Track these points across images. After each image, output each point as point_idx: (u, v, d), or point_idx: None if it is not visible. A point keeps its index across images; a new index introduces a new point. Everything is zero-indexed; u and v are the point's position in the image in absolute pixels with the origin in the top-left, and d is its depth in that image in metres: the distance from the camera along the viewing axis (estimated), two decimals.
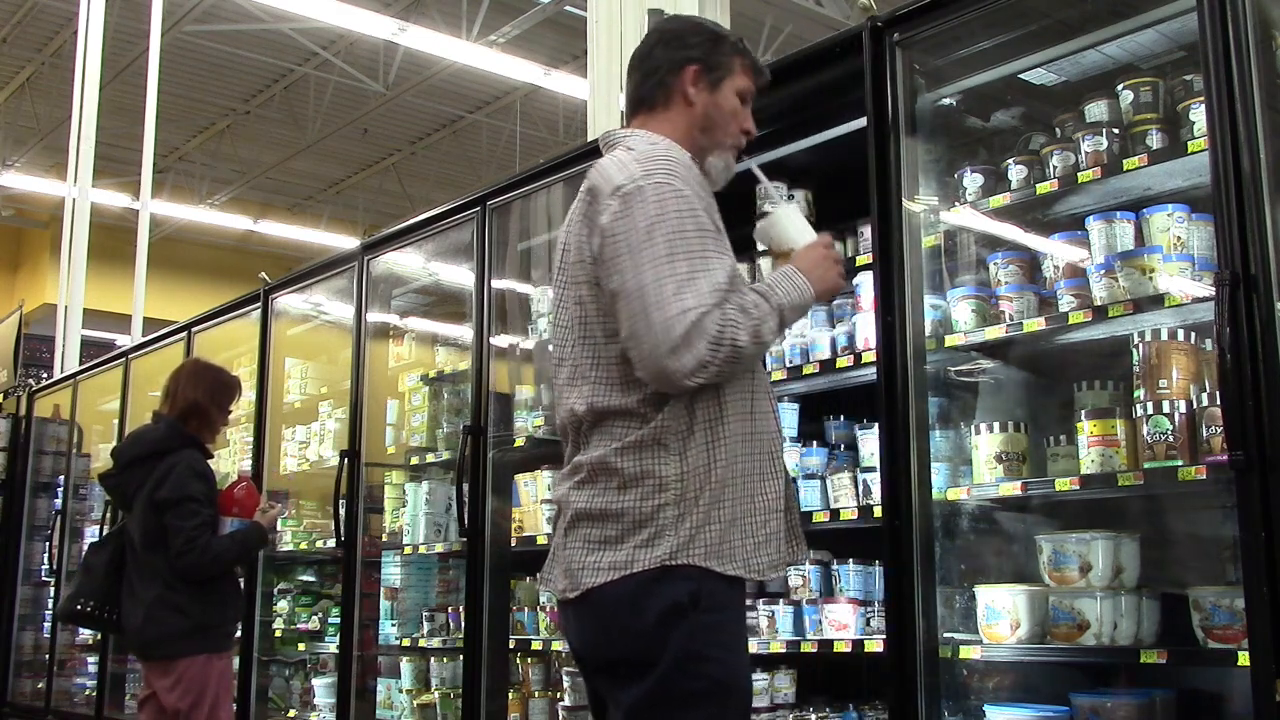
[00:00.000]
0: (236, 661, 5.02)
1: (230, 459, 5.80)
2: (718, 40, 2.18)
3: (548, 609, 3.89)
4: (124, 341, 8.50)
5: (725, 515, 1.95)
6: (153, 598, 3.77)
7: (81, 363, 7.98)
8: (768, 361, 2.26)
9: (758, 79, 2.21)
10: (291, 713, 5.09)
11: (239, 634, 4.53)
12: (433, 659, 4.36)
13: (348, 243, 9.07)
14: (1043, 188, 2.81)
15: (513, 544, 4.03)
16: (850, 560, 3.13)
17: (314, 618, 5.10)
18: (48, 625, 7.25)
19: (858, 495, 3.09)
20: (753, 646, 3.18)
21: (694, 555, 1.92)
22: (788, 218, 2.14)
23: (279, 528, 5.08)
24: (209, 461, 4.01)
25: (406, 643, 4.46)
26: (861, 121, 2.91)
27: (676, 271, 1.88)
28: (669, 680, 1.88)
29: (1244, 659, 2.18)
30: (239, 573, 4.11)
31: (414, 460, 4.65)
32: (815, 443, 3.32)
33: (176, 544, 3.72)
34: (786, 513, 2.08)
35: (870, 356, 2.84)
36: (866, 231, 3.08)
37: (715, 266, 1.93)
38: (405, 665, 4.50)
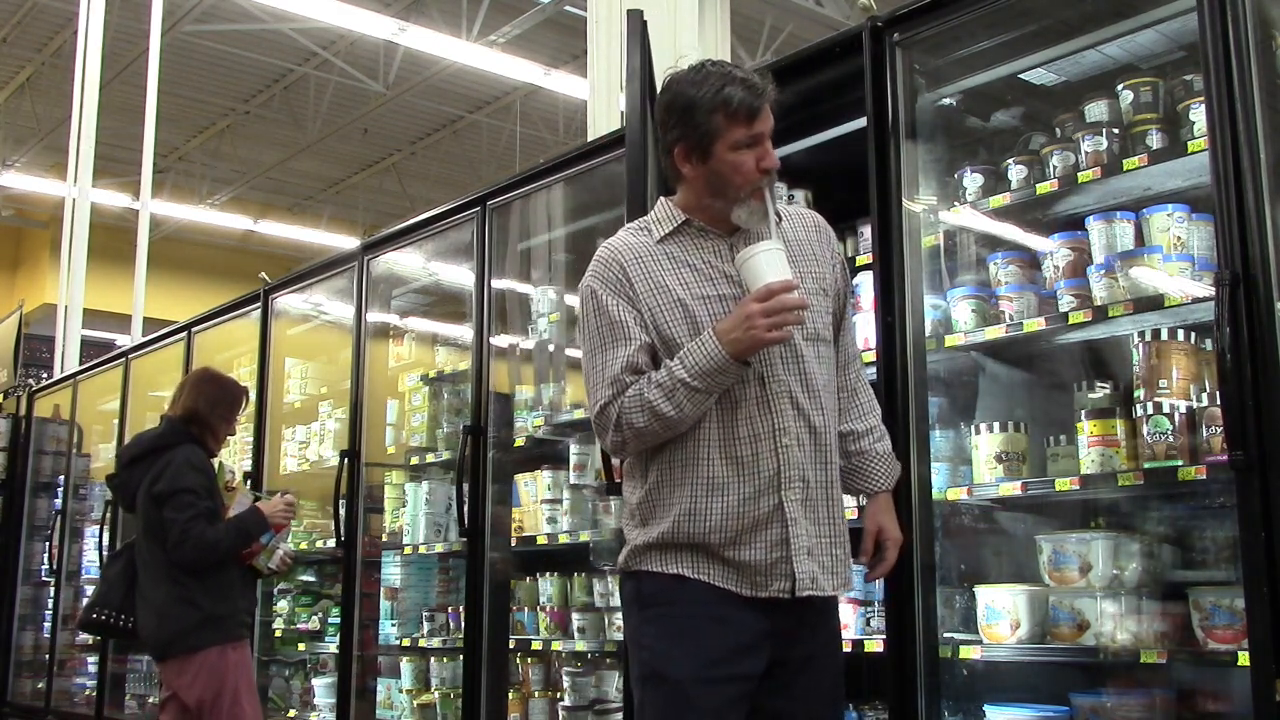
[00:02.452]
0: None
1: (231, 459, 5.80)
2: (690, 110, 2.14)
3: (548, 609, 3.90)
4: (124, 341, 8.50)
5: (665, 526, 2.17)
6: (162, 597, 3.78)
7: (81, 363, 7.98)
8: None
9: (750, 119, 2.13)
10: (291, 713, 5.09)
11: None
12: (433, 659, 4.37)
13: (348, 243, 9.08)
14: (1043, 188, 2.81)
15: (513, 544, 4.03)
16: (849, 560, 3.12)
17: (314, 618, 5.10)
18: (48, 625, 7.25)
19: (857, 496, 3.08)
20: None
21: (643, 561, 2.21)
22: (757, 264, 2.06)
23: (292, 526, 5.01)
24: (218, 462, 4.03)
25: (406, 643, 4.46)
26: (861, 121, 2.91)
27: (595, 365, 2.20)
28: (630, 660, 2.26)
29: (1244, 659, 2.18)
30: (267, 569, 4.07)
31: (414, 460, 4.65)
32: None
33: (173, 536, 3.72)
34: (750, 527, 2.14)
35: (870, 356, 2.84)
36: (867, 231, 3.07)
37: (611, 360, 2.17)
38: (405, 665, 4.50)
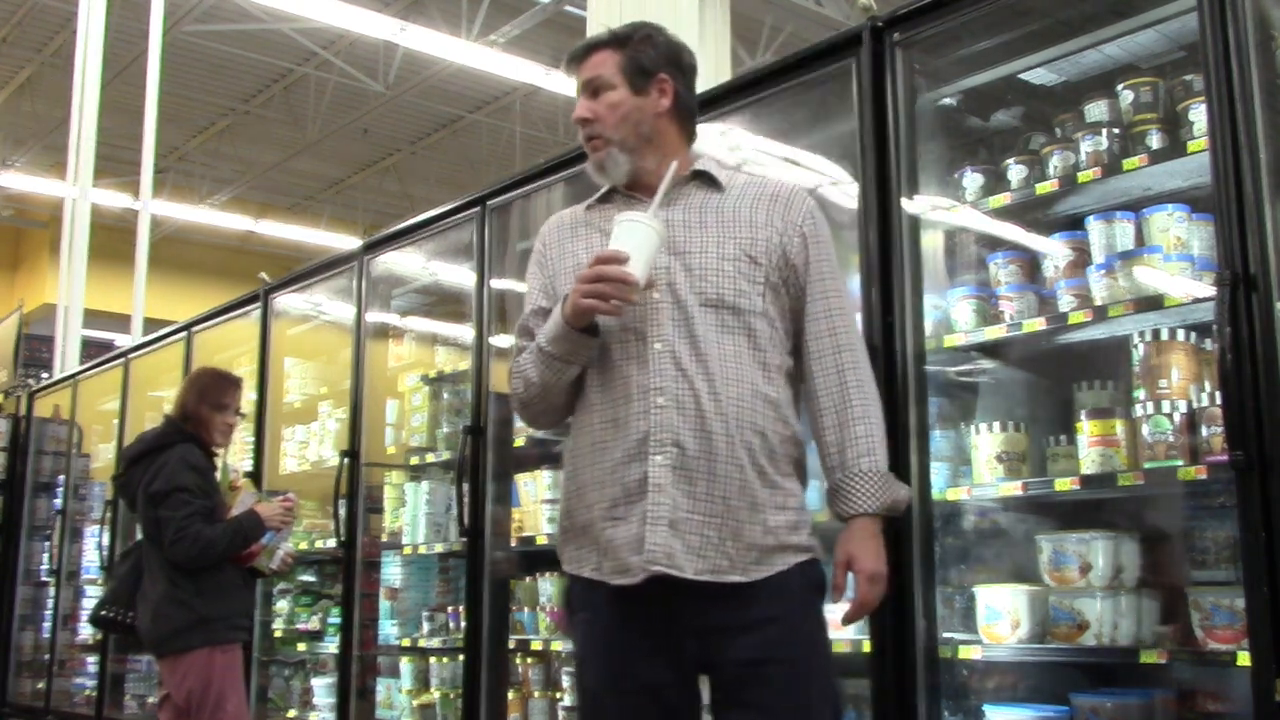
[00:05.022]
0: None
1: (231, 459, 5.79)
2: None
3: (548, 609, 3.89)
4: (124, 341, 8.50)
5: (564, 514, 2.14)
6: (159, 595, 3.80)
7: (81, 363, 7.98)
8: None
9: (569, 73, 2.24)
10: (291, 713, 5.09)
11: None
12: (433, 659, 4.36)
13: (348, 243, 9.07)
14: (1043, 188, 2.80)
15: (513, 544, 4.03)
16: None
17: (314, 618, 5.10)
18: (48, 625, 7.25)
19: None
20: None
21: (562, 558, 2.16)
22: (613, 235, 2.02)
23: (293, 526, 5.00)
24: (217, 459, 4.02)
25: (406, 643, 4.45)
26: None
27: None
28: None
29: (1244, 659, 2.18)
30: (269, 570, 4.07)
31: (414, 460, 4.65)
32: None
33: (168, 534, 3.73)
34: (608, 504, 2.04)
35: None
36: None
37: (521, 319, 2.21)
38: (405, 665, 4.49)
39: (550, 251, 2.22)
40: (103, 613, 4.03)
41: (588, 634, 2.09)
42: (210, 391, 4.04)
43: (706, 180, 2.17)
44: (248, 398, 5.30)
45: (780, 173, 3.44)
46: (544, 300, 2.18)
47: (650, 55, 2.18)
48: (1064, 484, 2.62)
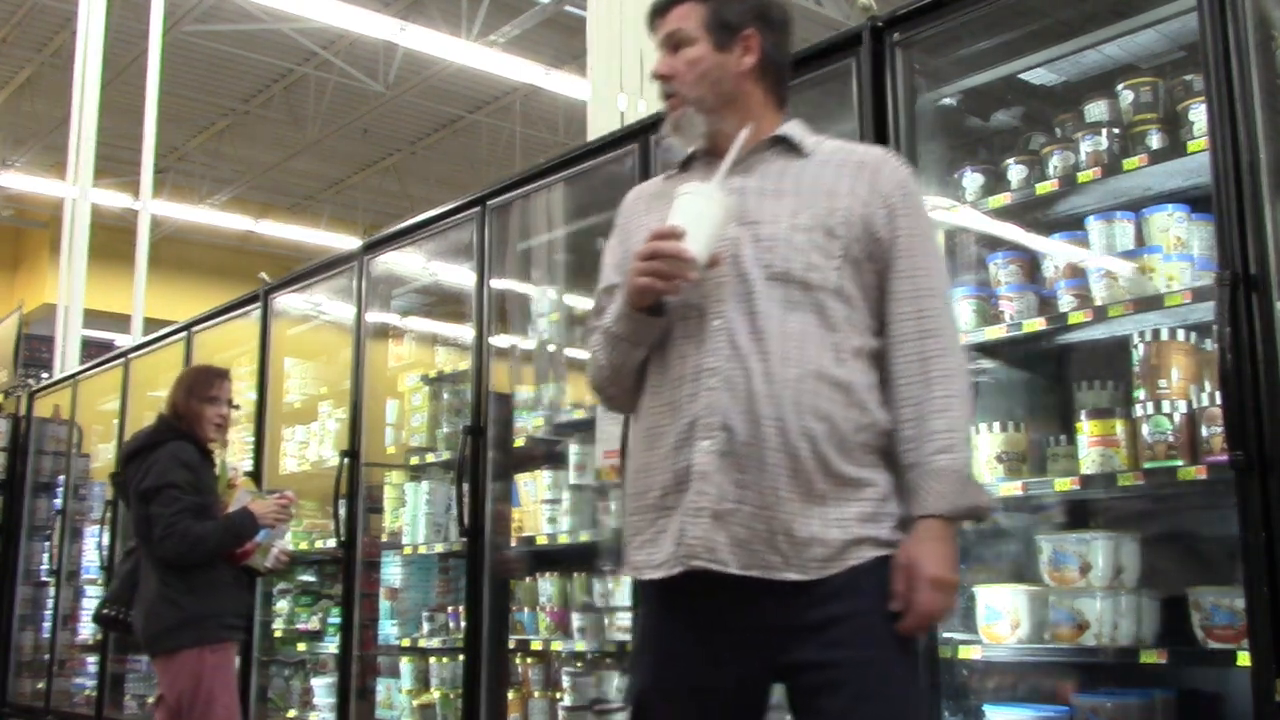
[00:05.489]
0: (236, 661, 5.02)
1: (231, 458, 5.80)
2: None
3: (547, 609, 3.89)
4: (124, 341, 8.50)
5: (626, 507, 2.00)
6: (151, 594, 3.80)
7: (81, 363, 7.98)
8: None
9: (651, 29, 2.09)
10: (291, 713, 5.09)
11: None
12: (433, 659, 4.36)
13: (348, 243, 9.07)
14: (1043, 188, 2.80)
15: (513, 544, 4.03)
16: None
17: (314, 618, 5.10)
18: (48, 625, 7.25)
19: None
20: None
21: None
22: (673, 208, 1.86)
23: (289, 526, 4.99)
24: (216, 457, 4.03)
25: (406, 643, 4.45)
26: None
27: None
28: None
29: (1244, 659, 2.18)
30: (264, 568, 4.07)
31: (414, 460, 4.65)
32: None
33: (157, 530, 3.73)
34: (658, 497, 1.88)
35: None
36: None
37: (595, 297, 2.09)
38: (405, 665, 4.50)
39: (629, 227, 2.09)
40: (105, 611, 4.06)
41: (640, 632, 2.06)
42: (198, 386, 4.03)
43: (788, 146, 1.98)
44: (247, 398, 5.32)
45: None
46: (616, 276, 2.02)
47: (736, 9, 2.01)
48: (1064, 484, 2.62)
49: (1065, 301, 2.75)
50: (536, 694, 3.99)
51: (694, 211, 1.83)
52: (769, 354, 1.82)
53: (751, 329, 1.84)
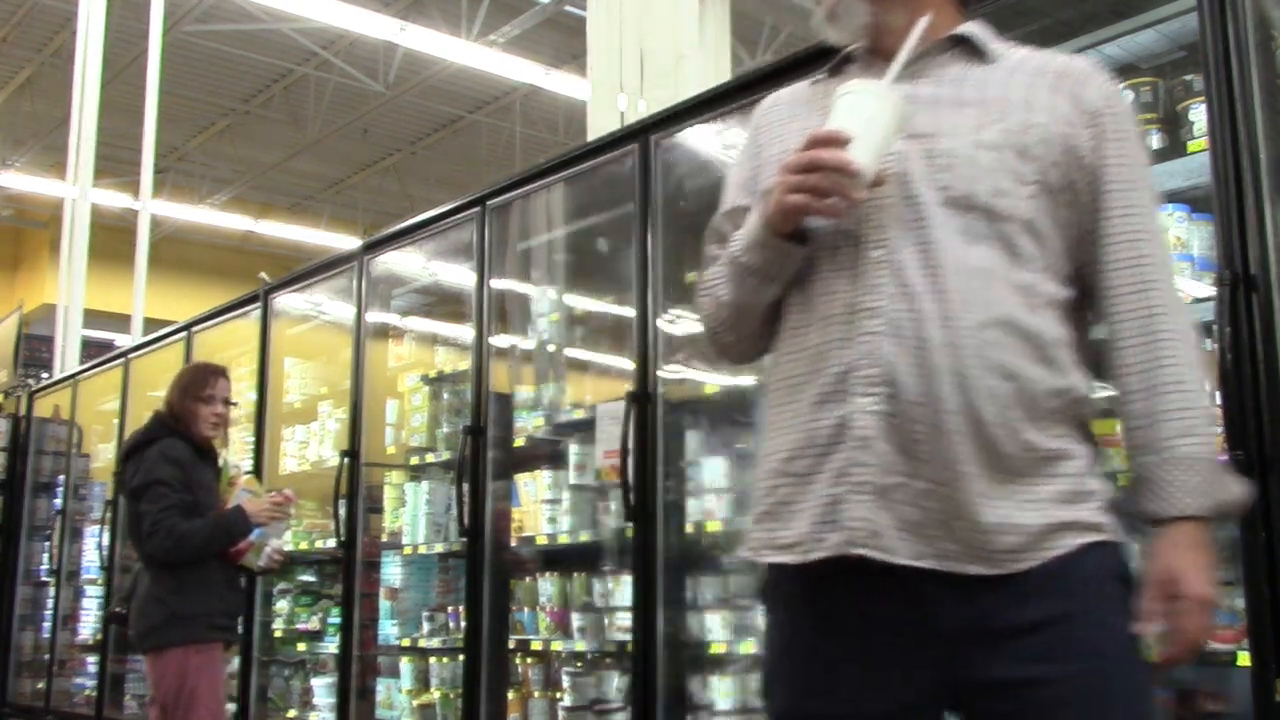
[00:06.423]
0: (236, 661, 5.03)
1: (233, 458, 5.80)
2: None
3: (547, 609, 3.89)
4: (124, 341, 8.49)
5: (758, 471, 1.62)
6: (144, 591, 3.82)
7: (81, 363, 7.98)
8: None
9: None
10: (291, 713, 5.09)
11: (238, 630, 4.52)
12: (433, 659, 4.36)
13: (348, 243, 9.07)
14: None
15: (513, 544, 4.03)
16: None
17: (314, 618, 5.10)
18: (48, 625, 7.25)
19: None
20: (750, 647, 3.19)
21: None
22: (837, 110, 1.51)
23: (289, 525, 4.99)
24: (219, 456, 4.04)
25: (406, 643, 4.46)
26: None
27: None
28: None
29: (1244, 659, 2.18)
30: (257, 567, 4.08)
31: (414, 460, 4.65)
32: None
33: (145, 528, 3.73)
34: (794, 477, 1.53)
35: None
36: None
37: (713, 221, 1.75)
38: (405, 665, 4.50)
39: (761, 136, 1.73)
40: (116, 610, 4.11)
41: (770, 635, 1.61)
42: (193, 385, 4.04)
43: (970, 48, 1.62)
44: (247, 398, 5.32)
45: None
46: (744, 197, 1.70)
47: None
48: None
49: None
50: (536, 694, 3.99)
51: (862, 114, 1.48)
52: (947, 294, 1.47)
53: (924, 263, 1.49)
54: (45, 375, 8.54)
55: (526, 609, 3.97)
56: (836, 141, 1.45)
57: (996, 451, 1.45)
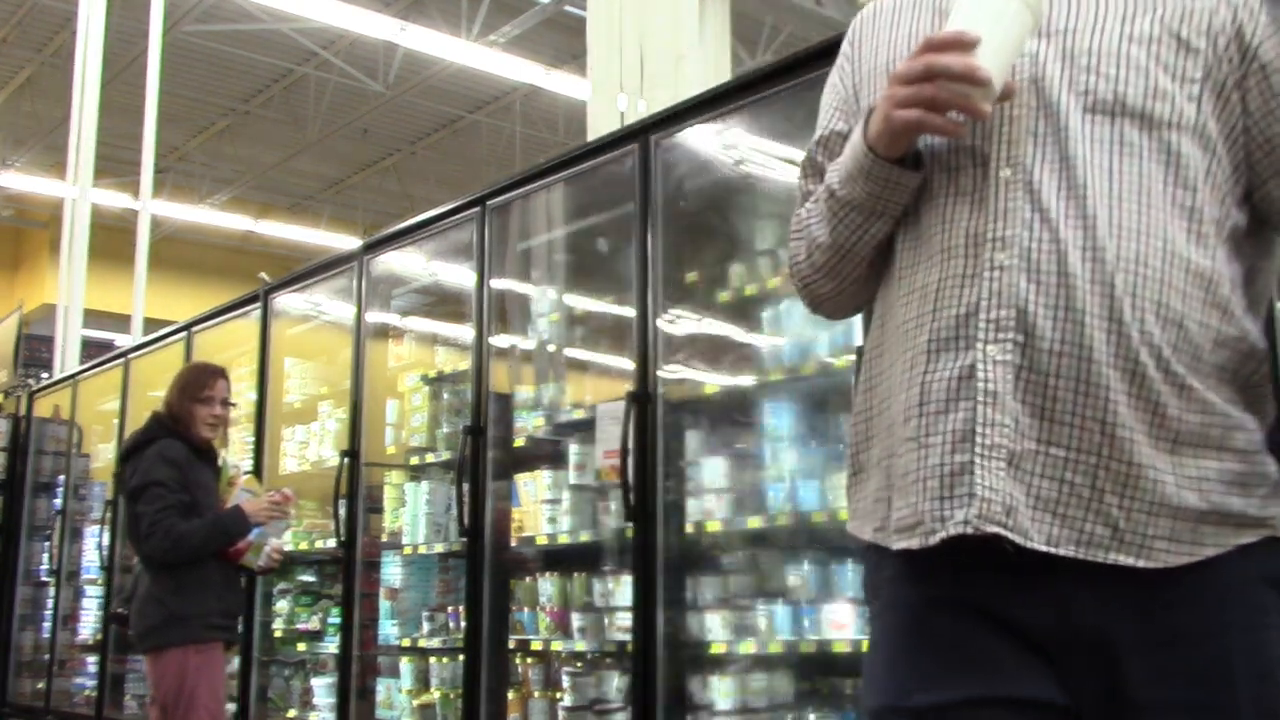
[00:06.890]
0: (236, 661, 5.03)
1: (233, 458, 5.80)
2: None
3: (547, 609, 3.90)
4: (124, 341, 8.50)
5: (852, 447, 1.41)
6: (143, 591, 3.83)
7: (81, 363, 7.98)
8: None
9: None
10: (291, 713, 5.09)
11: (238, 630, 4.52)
12: (433, 659, 4.37)
13: (348, 243, 9.08)
14: None
15: (513, 544, 4.03)
16: (849, 560, 3.13)
17: (314, 618, 5.10)
18: (48, 625, 7.26)
19: None
20: (750, 647, 3.19)
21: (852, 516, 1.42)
22: (958, 7, 1.26)
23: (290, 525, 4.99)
24: (220, 456, 4.05)
25: (406, 643, 4.46)
26: None
27: None
28: None
29: None
30: (257, 567, 4.08)
31: (414, 460, 4.65)
32: (815, 443, 3.32)
33: (142, 528, 3.74)
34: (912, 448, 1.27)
35: None
36: None
37: (806, 153, 1.52)
38: (405, 665, 4.50)
39: (860, 49, 1.46)
40: (118, 610, 4.13)
41: (876, 622, 1.37)
42: (191, 385, 4.05)
43: None
44: (247, 398, 5.32)
45: (781, 175, 3.44)
46: (841, 122, 1.46)
47: None
48: None
49: None
50: (536, 694, 3.99)
51: (989, 11, 1.23)
52: (1094, 221, 1.21)
53: (1065, 182, 1.23)
54: (45, 375, 8.54)
55: (526, 609, 3.97)
56: (961, 45, 1.20)
57: (1158, 413, 1.19)
